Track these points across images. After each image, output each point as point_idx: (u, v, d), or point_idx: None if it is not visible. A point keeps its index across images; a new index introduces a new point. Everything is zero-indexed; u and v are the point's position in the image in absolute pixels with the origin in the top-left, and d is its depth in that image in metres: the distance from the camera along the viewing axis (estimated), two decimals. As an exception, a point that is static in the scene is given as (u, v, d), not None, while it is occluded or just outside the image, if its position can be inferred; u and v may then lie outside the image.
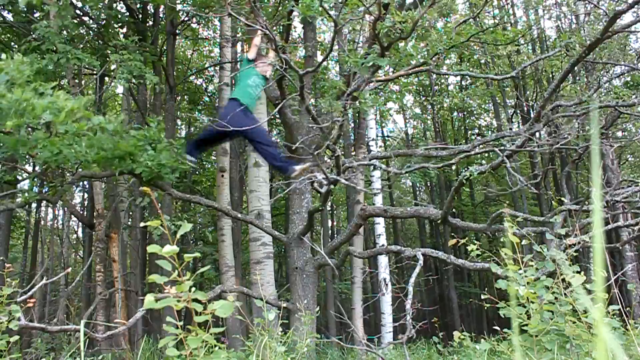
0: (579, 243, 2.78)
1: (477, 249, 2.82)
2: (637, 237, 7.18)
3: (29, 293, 3.37)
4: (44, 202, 11.81)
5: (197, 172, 15.93)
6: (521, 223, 7.45)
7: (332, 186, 4.97)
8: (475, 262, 4.90)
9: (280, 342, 3.42)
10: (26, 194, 5.66)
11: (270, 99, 6.71)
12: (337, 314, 10.20)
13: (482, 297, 2.80)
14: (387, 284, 9.53)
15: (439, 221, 5.41)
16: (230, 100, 5.10)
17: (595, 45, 4.26)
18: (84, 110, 4.13)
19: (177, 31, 9.83)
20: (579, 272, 2.39)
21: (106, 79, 9.99)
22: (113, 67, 7.26)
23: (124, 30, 9.18)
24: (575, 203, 7.22)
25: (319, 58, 8.77)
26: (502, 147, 4.79)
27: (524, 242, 4.63)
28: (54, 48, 6.01)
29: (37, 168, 10.22)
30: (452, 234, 5.45)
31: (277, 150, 5.05)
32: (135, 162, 4.77)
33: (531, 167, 14.64)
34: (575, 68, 10.96)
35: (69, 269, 4.88)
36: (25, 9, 5.65)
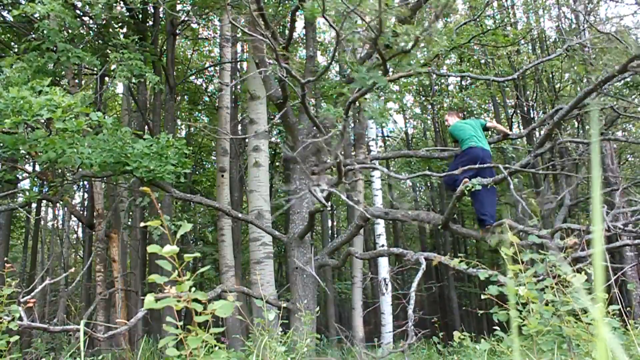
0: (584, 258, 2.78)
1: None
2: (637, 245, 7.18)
3: (33, 293, 3.37)
4: (44, 202, 11.81)
5: (196, 172, 15.95)
6: (521, 221, 7.42)
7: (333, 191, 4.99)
8: (478, 269, 4.88)
9: (280, 342, 3.42)
10: (27, 194, 5.65)
11: (271, 99, 6.63)
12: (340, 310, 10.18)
13: (482, 297, 2.80)
14: (387, 284, 9.52)
15: (439, 227, 5.41)
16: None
17: (610, 78, 4.23)
18: (81, 106, 4.13)
19: (177, 31, 9.82)
20: (579, 272, 2.39)
21: (106, 78, 9.99)
22: (113, 66, 7.26)
23: (124, 30, 9.18)
24: (574, 203, 7.22)
25: (319, 58, 8.75)
26: (506, 166, 4.78)
27: (523, 241, 4.63)
28: (54, 47, 6.00)
29: (37, 167, 10.21)
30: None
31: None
32: (139, 168, 4.76)
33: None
34: (575, 68, 10.93)
35: (72, 269, 4.89)
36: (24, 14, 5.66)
